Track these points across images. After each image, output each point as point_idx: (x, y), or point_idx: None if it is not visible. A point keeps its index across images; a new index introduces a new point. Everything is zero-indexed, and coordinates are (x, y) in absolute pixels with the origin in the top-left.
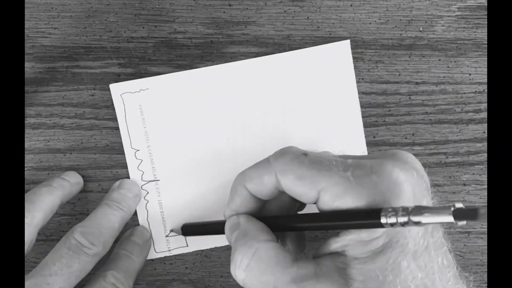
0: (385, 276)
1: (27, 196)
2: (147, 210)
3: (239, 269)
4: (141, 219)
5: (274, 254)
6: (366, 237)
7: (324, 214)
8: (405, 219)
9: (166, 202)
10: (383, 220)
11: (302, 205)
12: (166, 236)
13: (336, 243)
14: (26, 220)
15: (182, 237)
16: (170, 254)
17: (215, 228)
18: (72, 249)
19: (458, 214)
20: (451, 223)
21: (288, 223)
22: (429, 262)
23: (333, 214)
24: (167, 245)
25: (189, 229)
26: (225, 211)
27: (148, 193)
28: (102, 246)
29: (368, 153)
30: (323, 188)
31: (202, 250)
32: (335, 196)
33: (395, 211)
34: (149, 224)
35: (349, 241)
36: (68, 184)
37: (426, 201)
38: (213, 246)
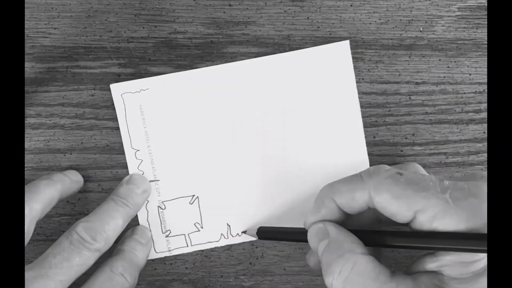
0: None
1: (26, 187)
2: (147, 210)
3: (337, 281)
4: (141, 219)
5: (372, 268)
6: (467, 258)
7: (424, 233)
8: None
9: (166, 202)
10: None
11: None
12: (166, 237)
13: (433, 263)
14: (25, 212)
15: (182, 237)
16: (170, 254)
17: (294, 235)
18: (73, 243)
19: None
20: None
21: (382, 239)
22: None
23: (433, 234)
24: (167, 245)
25: (265, 233)
26: (306, 220)
27: None
28: (104, 242)
29: (368, 153)
30: (420, 209)
31: (202, 250)
32: (433, 217)
33: None
34: (149, 224)
35: (447, 261)
36: (68, 180)
37: None
38: (213, 246)
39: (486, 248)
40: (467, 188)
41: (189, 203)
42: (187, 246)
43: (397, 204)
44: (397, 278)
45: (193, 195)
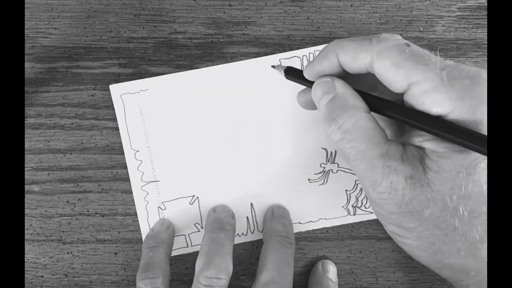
0: (458, 172)
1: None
2: (147, 211)
3: (339, 131)
4: (141, 219)
5: (372, 127)
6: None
7: (418, 112)
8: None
9: (166, 203)
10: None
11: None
12: None
13: (418, 137)
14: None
15: (182, 237)
16: (171, 255)
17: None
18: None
19: None
20: None
21: (382, 106)
22: None
23: (426, 117)
24: None
25: (291, 72)
26: (306, 68)
27: (148, 194)
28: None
29: None
30: (415, 81)
31: None
32: (424, 91)
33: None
34: (149, 225)
35: (429, 137)
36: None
37: None
38: None
39: (462, 141)
40: (466, 70)
41: (189, 203)
42: (187, 246)
43: (395, 73)
44: (391, 142)
45: (193, 196)
